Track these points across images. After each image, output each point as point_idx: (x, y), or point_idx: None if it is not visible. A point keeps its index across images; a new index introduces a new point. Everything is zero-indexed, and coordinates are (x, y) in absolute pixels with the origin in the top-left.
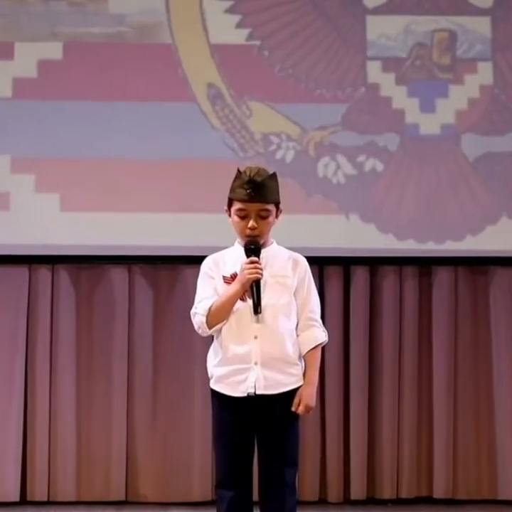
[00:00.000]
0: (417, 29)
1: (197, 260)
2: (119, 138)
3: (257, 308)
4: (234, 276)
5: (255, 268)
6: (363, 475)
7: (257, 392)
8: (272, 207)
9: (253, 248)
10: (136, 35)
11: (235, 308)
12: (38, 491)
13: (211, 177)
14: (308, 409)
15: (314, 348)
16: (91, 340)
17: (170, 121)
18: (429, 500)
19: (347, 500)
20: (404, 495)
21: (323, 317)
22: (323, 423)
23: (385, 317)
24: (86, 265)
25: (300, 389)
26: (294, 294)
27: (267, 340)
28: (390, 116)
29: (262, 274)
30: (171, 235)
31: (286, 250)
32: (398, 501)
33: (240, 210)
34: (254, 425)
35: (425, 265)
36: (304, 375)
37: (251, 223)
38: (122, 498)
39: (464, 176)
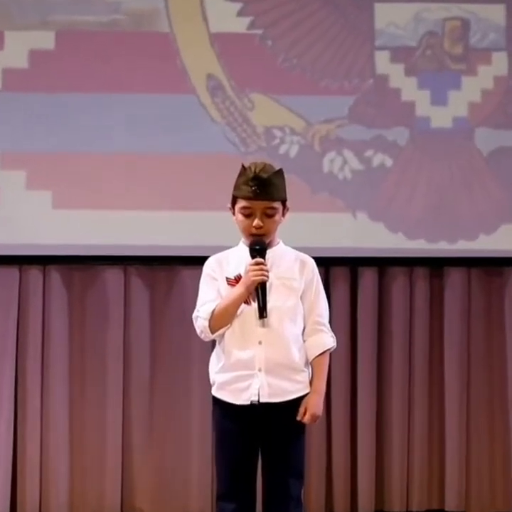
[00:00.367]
0: (427, 17)
1: (196, 261)
2: (114, 132)
3: (262, 311)
4: (238, 278)
5: (260, 270)
6: (371, 486)
7: (261, 400)
8: (278, 204)
9: (258, 248)
10: (132, 23)
11: (238, 311)
12: (29, 504)
13: (211, 173)
14: (314, 418)
15: (322, 354)
16: (84, 345)
17: (168, 114)
18: None
19: None
20: (414, 508)
21: (329, 321)
22: (329, 432)
23: (394, 321)
24: (79, 266)
25: (306, 397)
26: (301, 297)
27: (271, 346)
28: (400, 109)
29: (267, 276)
30: (168, 234)
31: (294, 251)
32: None
33: (244, 208)
34: (258, 435)
35: (436, 266)
36: (311, 382)
37: (256, 222)
38: (117, 511)
39: (477, 172)
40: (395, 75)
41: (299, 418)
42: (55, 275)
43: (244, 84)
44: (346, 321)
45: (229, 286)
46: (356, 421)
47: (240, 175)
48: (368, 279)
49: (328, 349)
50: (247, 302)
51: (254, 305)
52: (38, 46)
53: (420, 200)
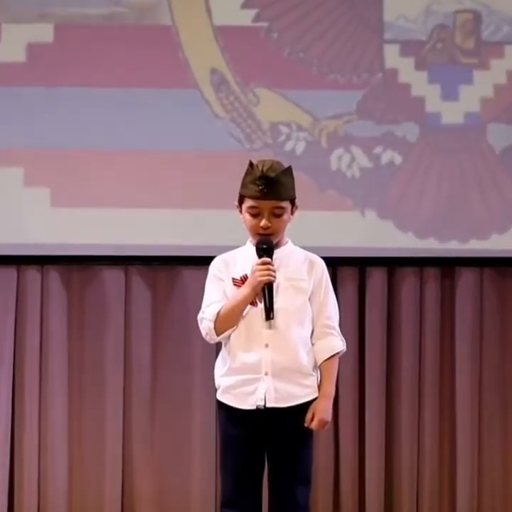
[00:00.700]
0: (438, 10)
1: (200, 261)
2: (115, 127)
3: (269, 313)
4: (244, 279)
5: (267, 269)
6: (379, 495)
7: (267, 405)
8: (286, 204)
9: (265, 248)
10: (133, 16)
11: (244, 312)
12: (27, 510)
13: (215, 170)
14: (322, 424)
15: (331, 357)
16: (84, 347)
17: (170, 109)
18: None
19: None
20: None
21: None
22: (337, 438)
23: (404, 323)
24: (79, 266)
25: (314, 402)
26: (310, 299)
27: (278, 349)
28: (409, 104)
29: (274, 277)
30: (171, 233)
31: (302, 251)
32: None
33: (251, 207)
34: (264, 440)
35: (448, 266)
36: (319, 386)
37: (263, 222)
38: None
39: (489, 169)
40: (405, 69)
41: (306, 424)
42: (53, 275)
43: (249, 78)
44: (354, 323)
45: (235, 287)
46: (364, 427)
47: (247, 173)
48: (376, 279)
49: (338, 353)
50: (253, 303)
51: (261, 306)
52: (36, 39)
53: (431, 198)
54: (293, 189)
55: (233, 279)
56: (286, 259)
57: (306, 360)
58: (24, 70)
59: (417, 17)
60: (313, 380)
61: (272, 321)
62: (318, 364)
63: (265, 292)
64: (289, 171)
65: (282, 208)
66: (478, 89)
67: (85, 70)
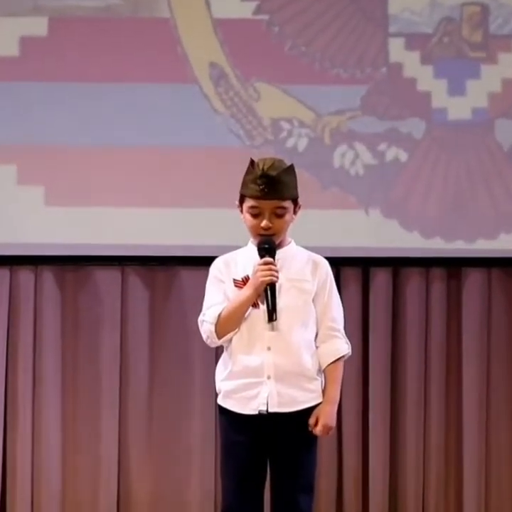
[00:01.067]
0: (444, 2)
1: (198, 261)
2: (111, 123)
3: (271, 314)
4: (246, 280)
5: (270, 270)
6: (383, 501)
7: (270, 410)
8: (288, 203)
9: (267, 248)
10: (130, 8)
11: (246, 314)
12: None
13: (214, 167)
14: (327, 429)
15: (336, 361)
16: (78, 349)
17: (168, 104)
18: None
19: None
20: None
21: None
22: (340, 444)
23: (409, 325)
24: (73, 266)
25: (318, 407)
26: (313, 301)
27: (281, 352)
28: (415, 100)
29: (277, 277)
30: (168, 232)
31: (306, 251)
32: None
33: (252, 207)
34: (267, 446)
35: (454, 266)
36: (324, 391)
37: (264, 223)
38: None
39: (497, 167)
40: (410, 63)
41: (310, 429)
42: (47, 276)
43: (249, 73)
44: (358, 325)
45: (236, 288)
46: (368, 431)
47: (248, 172)
48: (381, 280)
49: (343, 356)
50: (255, 305)
51: (263, 308)
52: (30, 33)
53: (437, 196)
54: (295, 188)
55: (234, 280)
56: (289, 259)
57: (310, 364)
58: (18, 65)
59: (422, 10)
60: (317, 385)
61: (274, 323)
62: (323, 368)
63: (267, 293)
64: (291, 169)
65: (284, 207)
66: (485, 84)
67: (80, 65)
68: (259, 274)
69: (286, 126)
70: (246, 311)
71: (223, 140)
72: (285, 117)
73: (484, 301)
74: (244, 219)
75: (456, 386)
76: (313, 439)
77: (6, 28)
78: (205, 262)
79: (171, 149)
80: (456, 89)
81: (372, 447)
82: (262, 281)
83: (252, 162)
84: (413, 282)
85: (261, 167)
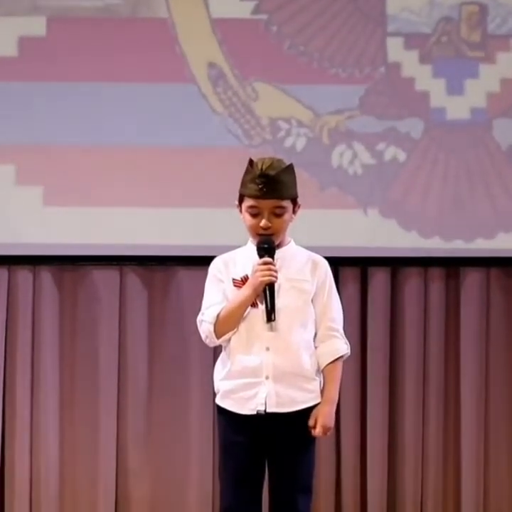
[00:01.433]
0: (443, 2)
1: (197, 261)
2: (109, 123)
3: (270, 315)
4: (245, 279)
5: (269, 270)
6: (382, 501)
7: (268, 410)
8: (287, 203)
9: (267, 247)
10: (128, 8)
11: (245, 314)
12: None
13: (212, 167)
14: (326, 430)
15: (334, 361)
16: (77, 350)
17: (166, 104)
18: None
19: None
20: None
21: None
22: (338, 444)
23: (408, 324)
24: (72, 266)
25: (317, 407)
26: (313, 301)
27: (280, 352)
28: (413, 99)
29: (276, 277)
30: (167, 232)
31: (305, 251)
32: None
33: (251, 207)
34: (265, 447)
35: (453, 266)
36: (322, 391)
37: (263, 222)
38: None
39: (495, 166)
40: (409, 62)
41: (310, 431)
42: (46, 276)
43: (247, 72)
44: (356, 325)
45: (235, 288)
46: (366, 430)
47: (247, 171)
48: (379, 280)
49: (342, 356)
50: (254, 305)
51: (262, 308)
52: (29, 33)
53: (435, 196)
54: (294, 188)
55: (233, 279)
56: (289, 259)
57: (308, 364)
58: (16, 65)
59: (421, 9)
60: (316, 385)
61: (273, 323)
62: (322, 368)
63: (266, 293)
64: (290, 168)
65: (283, 207)
66: (484, 84)
67: (79, 65)
68: (259, 273)
69: (284, 125)
70: (245, 310)
71: (221, 140)
72: (283, 117)
73: (483, 300)
74: (244, 218)
75: (454, 386)
76: (311, 439)
77: (4, 27)
78: (203, 261)
79: (168, 149)
80: (455, 88)
81: (370, 449)
82: (261, 281)
83: (251, 162)
84: (412, 282)
85: (260, 167)
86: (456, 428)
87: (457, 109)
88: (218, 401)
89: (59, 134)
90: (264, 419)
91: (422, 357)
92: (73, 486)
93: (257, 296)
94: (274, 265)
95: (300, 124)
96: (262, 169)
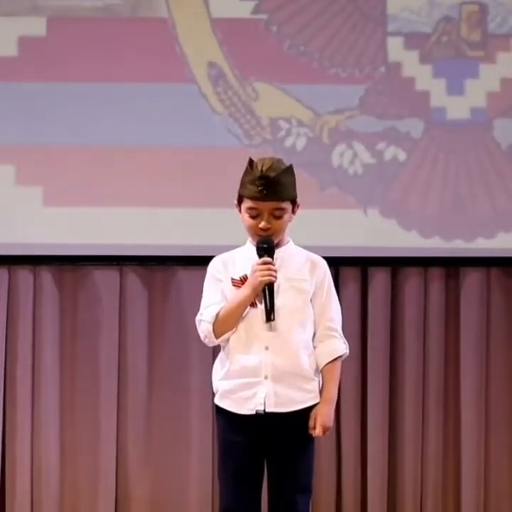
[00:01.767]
0: (443, 1)
1: (197, 261)
2: (109, 124)
3: (269, 314)
4: (244, 279)
5: (268, 270)
6: (382, 501)
7: (267, 410)
8: (287, 204)
9: (266, 247)
10: (128, 8)
11: (244, 314)
12: None
13: (212, 167)
14: (325, 430)
15: (333, 361)
16: (77, 350)
17: (166, 104)
18: None
19: None
20: None
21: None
22: (339, 444)
23: (408, 325)
24: (72, 266)
25: (316, 407)
26: (311, 301)
27: (279, 352)
28: (414, 99)
29: (275, 277)
30: (167, 232)
31: (304, 251)
32: None
33: (251, 208)
34: (264, 447)
35: (453, 266)
36: (321, 391)
37: (263, 224)
38: None
39: (495, 166)
40: (409, 62)
41: (310, 431)
42: (46, 276)
43: (247, 72)
44: (356, 325)
45: (234, 288)
46: (366, 431)
47: (247, 172)
48: (379, 280)
49: (340, 356)
50: (253, 305)
51: (261, 307)
52: (29, 33)
53: (435, 195)
54: (294, 189)
55: (232, 279)
56: (288, 259)
57: (307, 364)
58: (16, 65)
59: (421, 9)
60: (314, 385)
61: (272, 322)
62: (320, 368)
63: (266, 293)
64: (289, 170)
65: (282, 208)
66: (484, 84)
67: (79, 65)
68: (258, 273)
69: (284, 125)
70: (244, 310)
71: (222, 140)
72: (284, 117)
73: (483, 300)
74: (243, 219)
75: (454, 386)
76: (310, 439)
77: (4, 27)
78: (203, 261)
79: (169, 149)
80: (455, 88)
81: (370, 449)
82: (261, 281)
83: (250, 162)
84: (411, 282)
85: (260, 168)
86: (456, 428)
87: (457, 109)
88: (217, 401)
89: (59, 134)
90: (263, 419)
91: (422, 357)
92: (74, 486)
93: (256, 295)
94: (274, 265)
95: (300, 123)
96: (261, 171)
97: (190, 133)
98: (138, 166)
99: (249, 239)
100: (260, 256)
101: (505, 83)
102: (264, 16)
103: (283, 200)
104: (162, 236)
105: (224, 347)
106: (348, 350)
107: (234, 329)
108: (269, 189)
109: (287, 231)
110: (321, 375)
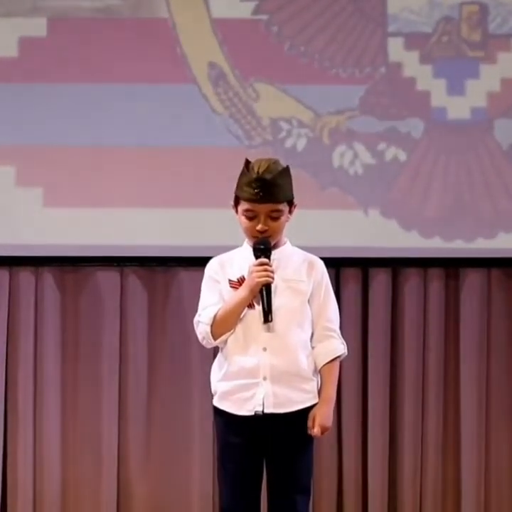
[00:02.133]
0: (443, 1)
1: (197, 262)
2: (110, 124)
3: (267, 315)
4: (241, 280)
5: (265, 270)
6: (382, 502)
7: (266, 411)
8: (283, 206)
9: (263, 248)
10: (129, 8)
11: (241, 315)
12: None
13: (213, 168)
14: (324, 430)
15: (331, 361)
16: (78, 351)
17: (166, 104)
18: None
19: None
20: None
21: (339, 326)
22: (340, 444)
23: (408, 325)
24: (73, 267)
25: (315, 408)
26: (309, 301)
27: (277, 353)
28: (414, 99)
29: (272, 278)
30: (167, 233)
31: (302, 251)
32: None
33: (247, 210)
34: (263, 448)
35: (453, 266)
36: (319, 391)
37: (260, 226)
38: None
39: (496, 166)
40: (409, 62)
41: (309, 431)
42: (47, 277)
43: (248, 73)
44: (357, 325)
45: (232, 289)
46: (367, 430)
47: (243, 174)
48: (380, 280)
49: (338, 356)
50: (251, 306)
51: (259, 308)
52: (29, 33)
53: (436, 196)
54: (290, 190)
55: (230, 280)
56: (285, 260)
57: (305, 364)
58: (17, 66)
59: (421, 9)
60: (313, 385)
61: (270, 323)
62: (319, 368)
63: (263, 294)
64: (286, 171)
65: (279, 210)
66: (484, 84)
67: (79, 65)
68: (255, 274)
69: (285, 126)
70: (242, 311)
71: (222, 140)
72: (284, 117)
73: (483, 301)
74: (240, 221)
75: (454, 386)
76: (309, 439)
77: (5, 28)
78: (204, 262)
79: (169, 150)
80: (456, 88)
81: (371, 446)
82: (258, 282)
83: (247, 163)
84: (412, 282)
85: (256, 170)
86: (456, 428)
87: (458, 109)
88: (216, 402)
89: (59, 135)
90: (262, 420)
91: (422, 357)
92: (75, 486)
93: (254, 296)
94: (271, 266)
95: (301, 124)
96: (258, 173)
97: (190, 133)
98: (138, 166)
99: (246, 240)
100: (257, 257)
101: (505, 83)
102: (264, 17)
103: (280, 202)
104: (163, 237)
105: (222, 348)
106: (346, 351)
107: (232, 330)
108: (266, 191)
109: (284, 232)
110: (319, 375)
